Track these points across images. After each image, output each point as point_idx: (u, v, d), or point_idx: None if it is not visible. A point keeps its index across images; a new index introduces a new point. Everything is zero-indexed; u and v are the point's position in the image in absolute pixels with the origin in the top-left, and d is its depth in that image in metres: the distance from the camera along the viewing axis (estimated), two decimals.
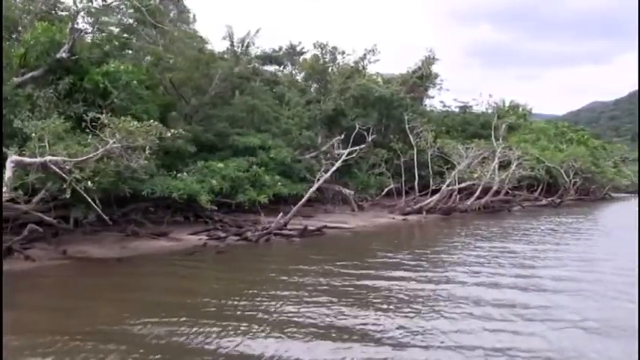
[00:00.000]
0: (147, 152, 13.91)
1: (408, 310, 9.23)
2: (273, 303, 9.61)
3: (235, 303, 9.61)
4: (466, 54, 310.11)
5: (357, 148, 24.70)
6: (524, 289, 10.88)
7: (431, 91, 39.62)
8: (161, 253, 14.91)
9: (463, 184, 28.31)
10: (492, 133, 31.53)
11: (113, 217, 18.46)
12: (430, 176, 28.41)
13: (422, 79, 35.21)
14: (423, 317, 8.80)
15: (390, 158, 28.67)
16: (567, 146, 41.47)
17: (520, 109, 53.16)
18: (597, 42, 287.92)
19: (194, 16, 41.28)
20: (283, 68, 38.88)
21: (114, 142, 12.79)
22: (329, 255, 15.03)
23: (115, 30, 22.58)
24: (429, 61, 35.78)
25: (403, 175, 28.14)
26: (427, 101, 40.50)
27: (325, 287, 10.95)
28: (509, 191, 33.06)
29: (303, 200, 19.58)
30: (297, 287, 10.99)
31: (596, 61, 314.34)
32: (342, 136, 26.20)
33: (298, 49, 39.86)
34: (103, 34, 20.57)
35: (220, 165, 20.34)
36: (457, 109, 41.72)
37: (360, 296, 10.26)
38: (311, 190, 19.98)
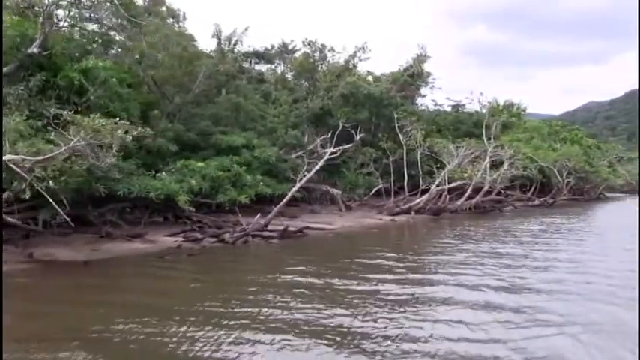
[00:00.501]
0: (114, 151, 13.25)
1: (381, 314, 8.68)
2: (240, 307, 9.07)
3: (200, 308, 9.05)
4: (463, 54, 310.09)
5: (342, 147, 24.11)
6: (508, 292, 10.33)
7: (423, 90, 39.29)
8: (132, 256, 14.31)
9: (453, 184, 27.75)
10: (484, 131, 30.96)
11: (88, 218, 18.01)
12: (420, 176, 27.83)
13: (413, 77, 34.68)
14: (396, 321, 8.26)
15: (378, 158, 28.10)
16: (561, 145, 40.95)
17: (514, 108, 52.74)
18: (593, 42, 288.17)
19: (184, 14, 40.80)
20: (276, 67, 38.38)
21: (78, 141, 12.15)
22: (306, 257, 14.49)
23: (93, 26, 21.92)
24: (421, 58, 35.28)
25: (392, 175, 27.56)
26: (420, 100, 40.14)
27: (299, 290, 10.39)
28: (502, 191, 32.55)
29: (285, 200, 19.01)
30: (269, 289, 10.41)
31: (593, 61, 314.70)
32: (329, 135, 25.63)
33: (290, 47, 39.36)
34: (76, 28, 19.86)
35: (200, 164, 19.76)
36: (450, 108, 41.14)
37: (335, 299, 9.73)
38: (293, 190, 19.40)
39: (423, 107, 38.97)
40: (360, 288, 10.63)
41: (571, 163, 37.03)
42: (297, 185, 19.49)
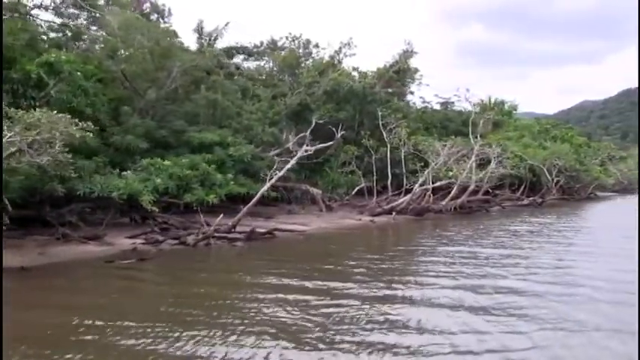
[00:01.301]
0: (57, 147, 12.22)
1: (325, 338, 7.70)
2: (179, 323, 8.08)
3: (121, 323, 8.04)
4: (459, 53, 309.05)
5: (317, 145, 23.17)
6: (479, 307, 9.25)
7: (412, 87, 38.37)
8: (80, 260, 13.28)
9: (438, 183, 26.81)
10: (470, 129, 30.01)
11: (47, 219, 16.98)
12: (404, 175, 26.86)
13: (399, 73, 33.71)
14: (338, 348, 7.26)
15: (361, 156, 27.12)
16: (551, 144, 40.11)
17: (505, 106, 51.98)
18: (587, 42, 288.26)
19: (169, 9, 39.78)
20: (265, 64, 37.38)
21: (11, 136, 11.11)
22: (267, 261, 13.54)
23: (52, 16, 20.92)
24: (407, 54, 34.31)
25: (375, 174, 26.59)
26: (410, 97, 39.20)
27: (244, 302, 9.42)
28: (490, 191, 31.67)
29: (254, 200, 18.01)
30: (210, 302, 9.41)
31: (587, 61, 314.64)
32: (309, 132, 24.67)
33: (280, 43, 38.34)
34: (29, 18, 18.82)
35: (167, 162, 18.73)
36: (439, 106, 40.24)
37: (285, 308, 8.78)
38: (262, 189, 18.41)
39: (413, 104, 38.04)
40: (315, 301, 9.64)
41: (561, 161, 36.15)
42: (267, 184, 18.49)
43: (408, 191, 26.42)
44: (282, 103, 26.25)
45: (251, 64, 36.96)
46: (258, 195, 18.07)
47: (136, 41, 23.13)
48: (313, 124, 22.89)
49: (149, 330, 7.68)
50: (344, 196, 26.16)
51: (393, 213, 23.89)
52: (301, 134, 24.40)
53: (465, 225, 22.39)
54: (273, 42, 38.61)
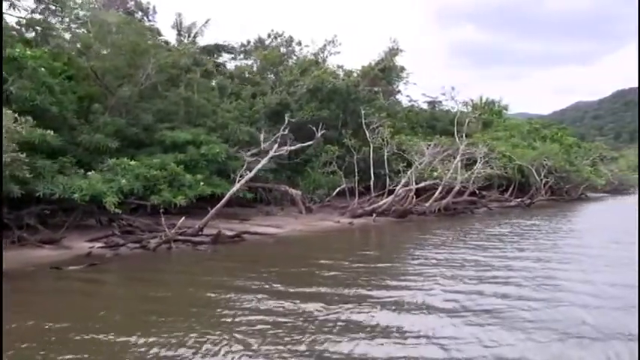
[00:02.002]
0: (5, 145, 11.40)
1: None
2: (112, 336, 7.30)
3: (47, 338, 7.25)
4: (452, 54, 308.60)
5: (298, 145, 22.44)
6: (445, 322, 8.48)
7: (399, 86, 37.71)
8: (31, 265, 12.45)
9: (422, 184, 26.09)
10: (455, 128, 29.31)
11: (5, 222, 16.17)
12: (387, 175, 26.11)
13: (384, 71, 33.01)
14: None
15: (342, 156, 26.36)
16: (541, 144, 39.48)
17: (495, 106, 51.47)
18: (581, 43, 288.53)
19: (154, 7, 39.00)
20: (253, 62, 36.61)
21: None
22: (227, 265, 12.78)
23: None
24: (393, 52, 33.64)
25: (357, 175, 25.83)
26: (399, 97, 38.53)
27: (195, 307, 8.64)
28: (477, 191, 30.97)
29: (223, 202, 17.24)
30: (153, 314, 8.61)
31: (581, 61, 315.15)
32: (287, 131, 23.91)
33: (267, 42, 37.60)
34: None
35: (133, 162, 17.93)
36: (426, 105, 39.56)
37: (238, 319, 8.03)
38: (231, 190, 17.64)
39: (400, 103, 37.33)
40: (270, 304, 8.86)
41: (550, 161, 35.51)
42: (237, 185, 17.72)
43: (391, 192, 25.69)
44: (261, 101, 25.47)
45: (239, 63, 36.33)
46: (227, 196, 17.30)
47: (107, 37, 22.38)
48: (286, 121, 22.06)
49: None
50: (324, 198, 25.40)
51: (374, 215, 23.14)
52: (278, 133, 23.62)
53: (447, 227, 21.66)
54: (261, 41, 37.90)
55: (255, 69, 33.85)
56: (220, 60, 31.19)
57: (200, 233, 16.43)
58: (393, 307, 8.84)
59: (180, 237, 15.35)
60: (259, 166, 18.82)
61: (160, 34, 33.26)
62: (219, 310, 8.72)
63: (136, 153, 21.20)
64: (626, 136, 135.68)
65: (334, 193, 25.48)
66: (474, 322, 8.07)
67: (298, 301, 9.05)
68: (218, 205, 17.02)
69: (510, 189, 36.16)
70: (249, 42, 37.99)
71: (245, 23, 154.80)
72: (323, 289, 10.08)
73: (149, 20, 37.15)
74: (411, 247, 16.17)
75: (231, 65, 34.66)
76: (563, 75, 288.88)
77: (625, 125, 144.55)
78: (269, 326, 7.75)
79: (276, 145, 20.45)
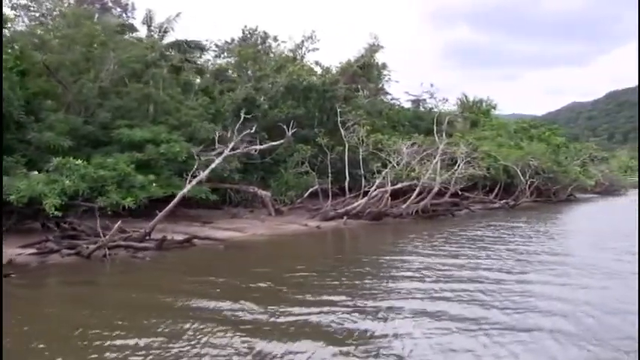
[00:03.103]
0: None
1: None
2: None
3: None
4: (446, 54, 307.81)
5: (267, 145, 21.24)
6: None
7: (384, 85, 36.57)
8: None
9: (399, 185, 24.90)
10: (434, 127, 28.13)
11: None
12: (362, 176, 24.89)
13: (363, 68, 31.84)
14: None
15: (317, 155, 25.13)
16: (528, 143, 38.36)
17: (483, 105, 50.45)
18: (576, 44, 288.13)
19: (132, 4, 37.78)
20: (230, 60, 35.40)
21: None
22: (156, 277, 11.52)
23: None
24: (373, 48, 32.47)
25: (330, 175, 24.61)
26: (383, 95, 37.34)
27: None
28: (460, 192, 29.81)
29: (172, 205, 16.01)
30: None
31: (575, 62, 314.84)
32: (253, 129, 22.69)
33: (253, 40, 36.41)
34: None
35: (78, 162, 16.64)
36: (410, 104, 38.38)
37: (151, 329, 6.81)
38: (181, 192, 16.38)
39: (382, 102, 36.09)
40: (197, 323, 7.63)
41: (536, 161, 34.37)
42: (187, 187, 16.49)
43: (367, 194, 24.50)
44: (228, 98, 24.23)
45: (220, 61, 35.15)
46: (177, 199, 16.07)
47: (62, 30, 21.18)
48: (241, 119, 20.79)
49: None
50: (295, 199, 24.18)
51: (345, 218, 21.91)
52: (245, 132, 22.38)
53: (421, 230, 20.46)
54: (244, 39, 36.71)
55: (229, 65, 32.69)
56: (192, 57, 29.85)
57: (148, 238, 15.17)
58: (307, 330, 7.60)
59: (122, 243, 14.09)
60: (212, 165, 17.60)
61: (134, 29, 32.19)
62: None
63: (92, 152, 19.98)
64: (620, 137, 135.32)
65: (306, 195, 24.27)
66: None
67: (210, 325, 7.81)
68: (167, 208, 15.79)
69: (496, 190, 35.01)
70: (233, 40, 36.91)
71: (226, 20, 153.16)
72: (247, 305, 8.83)
73: (127, 17, 36.03)
74: (372, 254, 14.93)
75: (206, 63, 33.51)
76: (557, 76, 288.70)
77: (619, 126, 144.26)
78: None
79: (230, 145, 19.13)
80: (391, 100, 36.42)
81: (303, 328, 7.80)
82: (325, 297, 9.69)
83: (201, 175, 16.84)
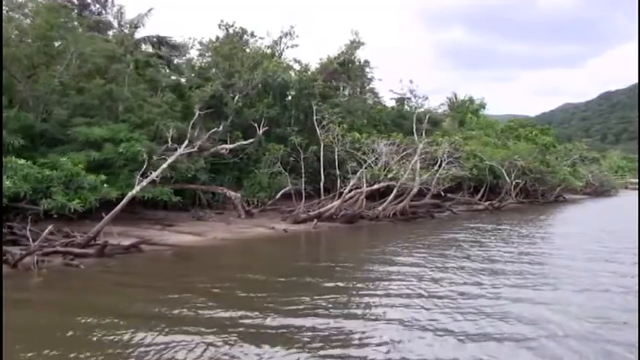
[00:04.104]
0: None
1: None
2: None
3: None
4: (439, 55, 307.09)
5: (236, 144, 20.20)
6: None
7: (365, 82, 35.50)
8: None
9: (376, 186, 23.89)
10: (414, 125, 27.11)
11: None
12: (338, 176, 23.82)
13: (343, 65, 30.77)
14: None
15: (290, 154, 24.08)
16: (514, 143, 37.39)
17: (472, 104, 49.60)
18: (569, 46, 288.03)
19: (112, 0, 36.57)
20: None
21: None
22: (90, 290, 10.41)
23: None
24: (354, 45, 31.41)
25: (304, 176, 23.57)
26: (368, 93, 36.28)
27: None
28: (443, 194, 28.79)
29: (119, 207, 14.89)
30: None
31: (568, 64, 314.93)
32: (221, 127, 21.69)
33: (230, 36, 35.25)
34: None
35: (21, 161, 15.53)
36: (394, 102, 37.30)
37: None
38: (130, 193, 15.26)
39: (365, 100, 35.00)
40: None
41: (522, 161, 33.39)
42: (137, 187, 15.37)
43: (342, 195, 23.42)
44: (196, 95, 23.13)
45: (202, 59, 34.02)
46: (125, 200, 14.96)
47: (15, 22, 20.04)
48: (196, 115, 19.67)
49: None
50: (266, 200, 23.11)
51: (315, 221, 20.82)
52: (212, 130, 21.35)
53: (395, 234, 19.49)
54: (228, 36, 35.60)
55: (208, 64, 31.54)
56: (172, 54, 28.74)
57: (94, 243, 14.04)
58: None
59: (60, 249, 12.98)
60: (164, 165, 16.56)
61: (112, 27, 31.06)
62: None
63: (48, 151, 18.91)
64: (612, 138, 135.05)
65: (278, 196, 23.20)
66: None
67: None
68: (114, 211, 14.69)
69: (481, 191, 34.05)
70: (217, 38, 35.81)
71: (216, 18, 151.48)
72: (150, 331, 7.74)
73: (106, 12, 34.88)
74: (330, 262, 13.90)
75: (188, 61, 32.38)
76: (550, 77, 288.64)
77: (611, 127, 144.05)
78: None
79: (186, 142, 18.10)
80: (374, 98, 35.31)
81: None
82: (242, 312, 8.60)
83: (152, 175, 15.75)
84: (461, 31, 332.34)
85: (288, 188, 22.97)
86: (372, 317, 8.60)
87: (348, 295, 10.08)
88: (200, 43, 33.48)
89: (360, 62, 32.50)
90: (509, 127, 41.93)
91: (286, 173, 23.27)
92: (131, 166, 19.02)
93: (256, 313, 8.56)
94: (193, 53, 32.82)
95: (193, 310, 8.75)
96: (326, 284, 11.03)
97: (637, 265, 12.34)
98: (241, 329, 7.81)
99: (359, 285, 11.07)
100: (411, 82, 34.16)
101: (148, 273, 12.48)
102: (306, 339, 7.45)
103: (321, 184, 24.01)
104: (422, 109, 32.53)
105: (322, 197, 23.99)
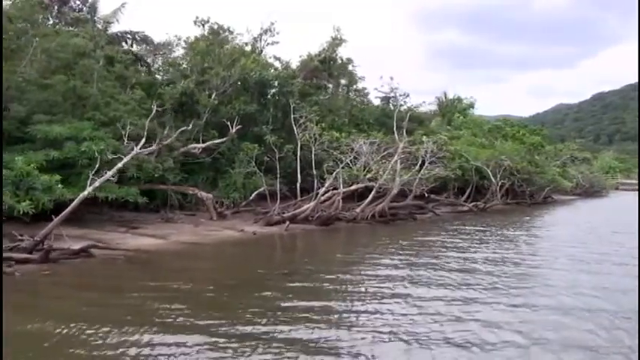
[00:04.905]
0: None
1: None
2: None
3: None
4: (433, 56, 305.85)
5: (208, 143, 19.38)
6: None
7: (351, 81, 34.70)
8: None
9: (354, 187, 23.13)
10: (394, 124, 26.34)
11: None
12: (315, 177, 23.01)
13: (324, 62, 29.99)
14: None
15: (262, 153, 23.25)
16: (501, 142, 36.68)
17: (462, 103, 48.95)
18: (562, 47, 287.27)
19: None
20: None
21: None
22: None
23: None
24: (336, 42, 30.64)
25: (279, 176, 22.75)
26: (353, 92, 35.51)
27: None
28: (427, 195, 28.05)
29: (69, 210, 14.02)
30: None
31: (561, 65, 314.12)
32: (191, 125, 20.86)
33: (207, 32, 34.39)
34: None
35: None
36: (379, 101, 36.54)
37: None
38: (82, 195, 14.37)
39: (348, 99, 34.20)
40: None
41: (509, 161, 32.67)
42: (89, 189, 14.48)
43: (323, 195, 22.62)
44: (166, 93, 22.28)
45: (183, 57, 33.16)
46: (76, 202, 14.11)
47: None
48: (153, 111, 18.79)
49: None
50: (239, 202, 22.31)
51: (287, 223, 20.01)
52: (182, 128, 20.51)
53: (371, 237, 18.77)
54: (212, 32, 34.77)
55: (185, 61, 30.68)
56: (139, 50, 27.90)
57: (40, 247, 13.17)
58: None
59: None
60: (120, 165, 15.73)
61: (88, 22, 30.19)
62: None
63: (7, 150, 18.04)
64: (605, 139, 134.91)
65: (252, 197, 22.39)
66: None
67: None
68: (63, 213, 13.84)
69: (467, 192, 33.33)
70: (203, 35, 34.95)
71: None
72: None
73: (88, 10, 34.02)
74: (293, 267, 13.09)
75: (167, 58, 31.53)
76: (543, 78, 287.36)
77: (604, 127, 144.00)
78: None
79: (143, 141, 17.26)
80: (360, 97, 34.50)
81: None
82: (161, 335, 7.72)
83: (107, 175, 14.92)
84: (454, 32, 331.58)
85: (262, 189, 22.15)
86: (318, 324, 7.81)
87: (292, 310, 9.29)
88: (185, 41, 32.70)
89: (342, 60, 31.69)
90: (496, 127, 41.23)
91: (261, 173, 22.42)
92: (94, 165, 18.22)
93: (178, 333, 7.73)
94: (181, 52, 32.15)
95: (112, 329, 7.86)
96: (274, 293, 10.22)
97: (637, 265, 12.33)
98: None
99: (308, 296, 10.24)
100: (391, 79, 33.26)
101: (89, 281, 11.62)
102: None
103: (298, 184, 23.19)
104: (404, 107, 31.65)
105: (299, 198, 23.18)
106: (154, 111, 18.40)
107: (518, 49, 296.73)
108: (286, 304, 9.42)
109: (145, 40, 27.88)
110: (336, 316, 8.82)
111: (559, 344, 7.57)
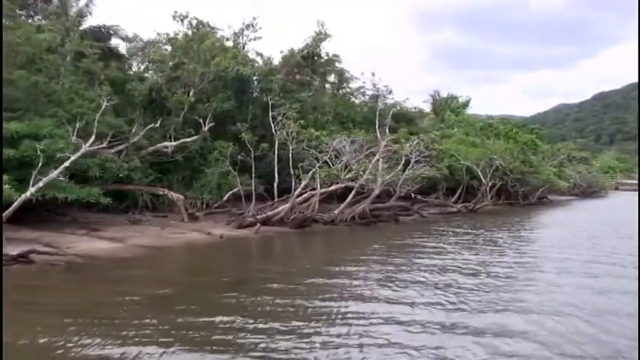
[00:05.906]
0: None
1: None
2: None
3: None
4: (432, 56, 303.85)
5: (180, 141, 18.40)
6: None
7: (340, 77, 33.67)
8: None
9: (332, 187, 22.15)
10: (376, 121, 25.33)
11: None
12: (293, 177, 22.02)
13: (307, 58, 29.00)
14: None
15: (237, 152, 22.29)
16: (493, 141, 35.62)
17: (456, 102, 47.97)
18: (562, 47, 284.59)
19: None
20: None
21: None
22: None
23: None
24: (320, 37, 29.62)
25: (254, 176, 21.77)
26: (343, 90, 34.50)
27: None
28: (414, 195, 27.05)
29: (10, 211, 13.05)
30: None
31: (562, 65, 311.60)
32: (158, 123, 19.92)
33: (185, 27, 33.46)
34: None
35: None
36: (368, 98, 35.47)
37: None
38: (23, 196, 13.45)
39: (336, 96, 33.17)
40: None
41: (499, 161, 31.63)
42: (31, 189, 13.57)
43: (298, 196, 21.65)
44: (134, 89, 21.33)
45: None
46: (16, 204, 13.21)
47: None
48: (103, 106, 17.80)
49: None
50: (212, 202, 21.36)
51: (258, 225, 19.02)
52: (150, 126, 19.57)
53: (345, 240, 17.71)
54: (198, 28, 33.83)
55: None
56: (113, 45, 26.91)
57: None
58: None
59: None
60: (66, 164, 14.75)
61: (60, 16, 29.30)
62: None
63: None
64: (607, 139, 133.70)
65: (225, 197, 21.42)
66: None
67: None
68: (4, 214, 12.84)
69: (457, 192, 32.32)
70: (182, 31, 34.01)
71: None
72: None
73: (71, 6, 33.13)
74: (250, 275, 12.08)
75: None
76: (544, 78, 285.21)
77: (605, 127, 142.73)
78: None
79: (91, 139, 16.35)
80: (344, 95, 33.46)
81: None
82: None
83: (52, 174, 13.97)
84: (453, 32, 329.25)
85: (237, 189, 21.18)
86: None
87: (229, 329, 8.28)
88: (165, 37, 31.81)
89: (328, 56, 30.71)
90: (488, 125, 40.14)
91: (235, 173, 21.45)
92: (54, 164, 17.28)
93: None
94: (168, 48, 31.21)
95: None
96: (196, 307, 9.15)
97: (637, 265, 12.23)
98: None
99: (231, 311, 9.12)
100: (373, 74, 32.22)
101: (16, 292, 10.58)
102: None
103: (275, 184, 22.20)
104: (389, 102, 30.65)
105: (277, 199, 22.20)
106: (104, 105, 17.30)
107: (517, 49, 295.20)
108: (198, 320, 8.30)
109: (118, 34, 26.90)
110: (241, 340, 7.61)
111: None
